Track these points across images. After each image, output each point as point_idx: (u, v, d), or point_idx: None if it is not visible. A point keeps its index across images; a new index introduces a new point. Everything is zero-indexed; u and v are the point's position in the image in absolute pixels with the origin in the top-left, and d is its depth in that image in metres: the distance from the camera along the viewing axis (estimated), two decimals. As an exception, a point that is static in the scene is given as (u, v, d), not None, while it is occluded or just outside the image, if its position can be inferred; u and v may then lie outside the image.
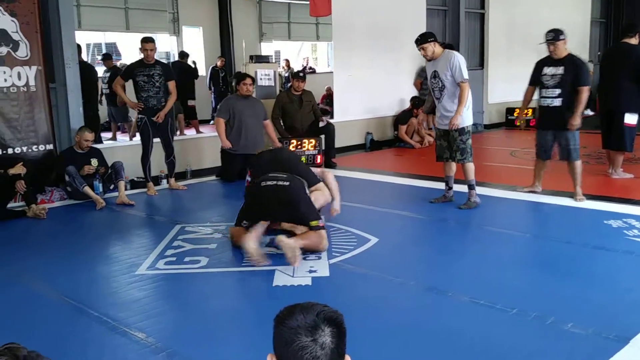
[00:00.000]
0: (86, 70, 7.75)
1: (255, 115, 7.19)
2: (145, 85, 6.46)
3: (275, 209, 4.32)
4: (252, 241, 4.07)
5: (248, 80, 7.22)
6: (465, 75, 5.37)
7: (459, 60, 5.41)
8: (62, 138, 6.73)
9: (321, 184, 4.87)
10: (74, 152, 6.24)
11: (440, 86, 5.47)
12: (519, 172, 7.51)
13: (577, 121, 5.48)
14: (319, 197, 4.74)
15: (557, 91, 5.57)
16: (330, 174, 5.08)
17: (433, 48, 5.44)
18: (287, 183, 4.33)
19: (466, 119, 5.43)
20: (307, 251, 4.18)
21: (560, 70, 5.56)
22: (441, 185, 5.89)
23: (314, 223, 4.27)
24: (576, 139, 5.57)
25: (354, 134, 9.71)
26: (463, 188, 5.58)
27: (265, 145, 7.09)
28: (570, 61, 5.57)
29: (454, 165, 5.66)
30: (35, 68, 6.26)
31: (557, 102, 5.57)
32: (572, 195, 5.61)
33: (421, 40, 5.47)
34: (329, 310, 1.31)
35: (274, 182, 4.34)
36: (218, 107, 7.25)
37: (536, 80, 5.75)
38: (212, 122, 10.45)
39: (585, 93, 5.47)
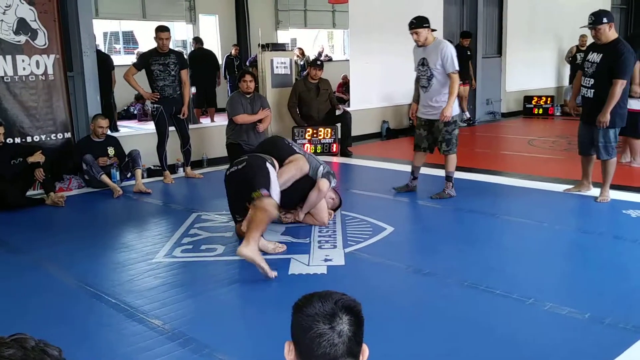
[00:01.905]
0: (102, 59, 7.79)
1: (254, 114, 7.01)
2: (160, 74, 6.47)
3: (239, 192, 4.24)
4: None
5: (247, 77, 6.97)
6: (457, 66, 5.28)
7: (451, 50, 5.28)
8: (79, 126, 6.78)
9: (295, 156, 4.56)
10: (90, 141, 6.29)
11: (428, 75, 5.34)
12: (535, 161, 7.46)
13: (604, 118, 4.94)
14: (286, 170, 4.43)
15: (592, 81, 5.07)
16: (323, 184, 4.64)
17: (426, 34, 5.31)
18: (244, 163, 4.27)
19: (454, 109, 5.34)
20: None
21: (599, 57, 5.01)
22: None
23: (255, 194, 3.90)
24: (608, 136, 5.06)
25: (370, 123, 9.67)
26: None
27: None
28: (612, 49, 4.95)
29: (424, 157, 5.65)
30: (54, 56, 6.30)
31: (590, 94, 5.09)
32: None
33: (416, 24, 5.27)
34: (347, 299, 1.31)
35: (235, 168, 4.32)
36: (228, 108, 7.13)
37: (582, 65, 5.28)
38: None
39: (617, 87, 4.87)
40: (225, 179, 4.45)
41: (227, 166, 7.20)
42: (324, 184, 4.62)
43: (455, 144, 5.42)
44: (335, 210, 5.00)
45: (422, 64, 5.36)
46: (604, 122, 4.98)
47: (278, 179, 4.26)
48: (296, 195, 4.64)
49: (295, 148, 4.73)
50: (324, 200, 4.74)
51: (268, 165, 4.21)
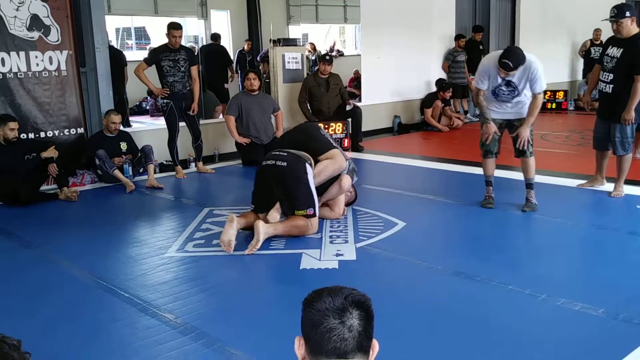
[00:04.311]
0: (114, 55, 7.81)
1: (263, 111, 7.12)
2: (170, 70, 6.49)
3: (273, 187, 4.33)
4: (231, 228, 4.09)
5: (251, 75, 7.07)
6: (545, 85, 4.74)
7: (539, 68, 4.63)
8: (92, 122, 6.82)
9: (333, 152, 4.60)
10: (103, 136, 6.33)
11: (515, 94, 4.75)
12: (548, 156, 7.40)
13: (629, 115, 4.86)
14: (325, 168, 4.50)
15: (611, 76, 4.96)
16: (346, 181, 4.68)
17: None
18: (285, 164, 4.31)
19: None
20: (291, 235, 4.25)
21: (619, 52, 4.89)
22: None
23: (299, 212, 4.26)
24: (625, 132, 4.99)
25: (381, 117, 9.65)
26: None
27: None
28: (633, 44, 4.83)
29: (495, 163, 5.19)
30: (67, 52, 6.34)
31: (609, 89, 4.99)
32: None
33: (518, 64, 4.52)
34: (357, 294, 1.31)
35: (273, 162, 4.36)
36: (227, 104, 7.23)
37: (601, 59, 5.15)
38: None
39: (638, 83, 4.77)
40: (259, 170, 4.49)
41: (238, 161, 7.31)
42: (346, 180, 4.68)
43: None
44: (349, 205, 5.00)
45: (508, 84, 4.72)
46: (630, 120, 4.91)
47: (315, 178, 4.38)
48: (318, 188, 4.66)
49: (330, 140, 4.76)
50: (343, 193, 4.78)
51: (308, 171, 4.31)
